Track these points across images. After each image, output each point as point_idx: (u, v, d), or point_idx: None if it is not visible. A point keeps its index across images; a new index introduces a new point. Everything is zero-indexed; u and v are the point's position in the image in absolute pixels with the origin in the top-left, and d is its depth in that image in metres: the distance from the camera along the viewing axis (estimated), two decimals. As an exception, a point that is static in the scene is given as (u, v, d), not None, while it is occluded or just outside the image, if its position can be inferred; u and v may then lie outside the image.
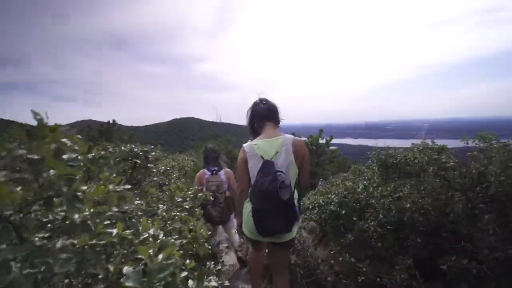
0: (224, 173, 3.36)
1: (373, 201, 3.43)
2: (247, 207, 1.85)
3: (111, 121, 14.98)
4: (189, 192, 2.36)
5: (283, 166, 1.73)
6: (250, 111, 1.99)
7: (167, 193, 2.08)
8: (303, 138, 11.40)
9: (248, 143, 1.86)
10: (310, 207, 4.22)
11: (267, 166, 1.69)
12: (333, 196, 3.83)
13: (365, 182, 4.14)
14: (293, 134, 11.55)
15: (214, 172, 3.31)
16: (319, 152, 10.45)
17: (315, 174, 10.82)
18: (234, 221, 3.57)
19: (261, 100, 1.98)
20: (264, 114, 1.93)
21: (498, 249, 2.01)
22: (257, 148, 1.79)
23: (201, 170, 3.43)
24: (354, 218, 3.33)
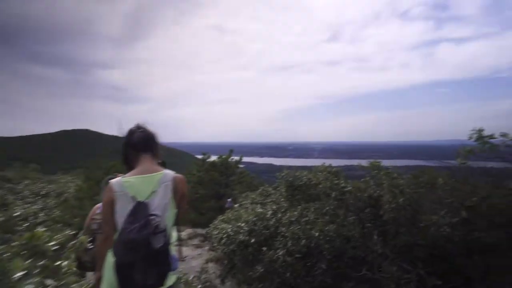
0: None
1: (283, 228, 3.38)
2: (109, 258, 1.48)
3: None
4: (52, 242, 1.72)
5: (159, 207, 1.47)
6: (124, 140, 1.67)
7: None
8: (213, 157, 11.11)
9: (117, 179, 1.52)
10: (218, 237, 3.88)
11: (139, 209, 1.42)
12: (243, 224, 3.63)
13: (274, 207, 4.11)
14: (203, 154, 11.12)
15: None
16: (228, 173, 10.32)
17: (223, 195, 10.59)
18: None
19: (138, 127, 1.68)
20: (139, 144, 1.62)
21: (388, 271, 2.17)
22: (128, 186, 1.48)
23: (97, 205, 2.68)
24: (264, 248, 3.18)
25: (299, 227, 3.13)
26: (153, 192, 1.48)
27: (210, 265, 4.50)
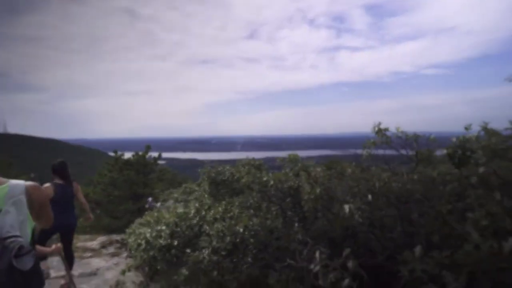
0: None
1: (207, 226, 3.27)
2: None
3: None
4: None
5: (15, 226, 1.24)
6: None
7: None
8: (128, 154, 10.01)
9: None
10: (136, 244, 3.51)
11: None
12: (164, 228, 3.35)
13: (196, 205, 3.95)
14: (115, 152, 9.89)
15: None
16: (146, 171, 9.51)
17: (142, 195, 9.77)
18: None
19: None
20: None
21: (309, 260, 2.34)
22: None
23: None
24: (188, 250, 3.01)
25: (224, 224, 3.07)
26: (0, 210, 1.23)
27: (128, 274, 4.05)
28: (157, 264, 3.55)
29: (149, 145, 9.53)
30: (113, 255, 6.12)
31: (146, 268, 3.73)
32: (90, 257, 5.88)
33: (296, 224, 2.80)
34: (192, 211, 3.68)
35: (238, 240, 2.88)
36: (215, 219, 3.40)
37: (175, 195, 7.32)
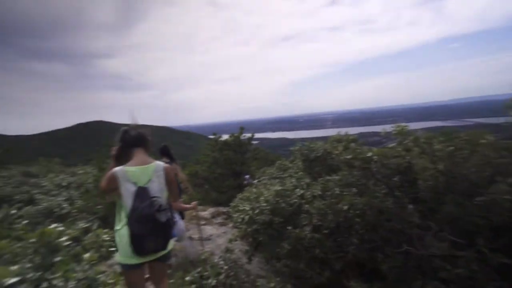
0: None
1: (306, 205, 3.22)
2: (123, 231, 1.82)
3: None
4: (64, 237, 1.67)
5: (158, 191, 1.87)
6: (119, 137, 2.04)
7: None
8: (225, 136, 10.95)
9: (120, 168, 1.87)
10: (241, 219, 3.79)
11: (142, 192, 1.81)
12: (264, 204, 3.49)
13: (293, 181, 3.94)
14: (214, 134, 11.01)
15: None
16: (242, 150, 10.20)
17: (240, 172, 10.56)
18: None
19: (130, 127, 2.08)
20: (133, 141, 2.01)
21: (430, 244, 1.98)
22: (131, 174, 1.86)
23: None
24: (289, 227, 3.05)
25: (324, 202, 2.96)
26: (149, 180, 1.86)
27: (235, 243, 4.48)
28: (260, 237, 3.77)
29: (242, 126, 10.12)
30: (221, 224, 6.92)
31: (250, 239, 4.02)
32: (204, 224, 6.82)
33: (411, 206, 2.44)
34: (290, 189, 3.70)
35: (341, 219, 2.73)
36: (314, 197, 3.32)
37: (270, 170, 7.60)
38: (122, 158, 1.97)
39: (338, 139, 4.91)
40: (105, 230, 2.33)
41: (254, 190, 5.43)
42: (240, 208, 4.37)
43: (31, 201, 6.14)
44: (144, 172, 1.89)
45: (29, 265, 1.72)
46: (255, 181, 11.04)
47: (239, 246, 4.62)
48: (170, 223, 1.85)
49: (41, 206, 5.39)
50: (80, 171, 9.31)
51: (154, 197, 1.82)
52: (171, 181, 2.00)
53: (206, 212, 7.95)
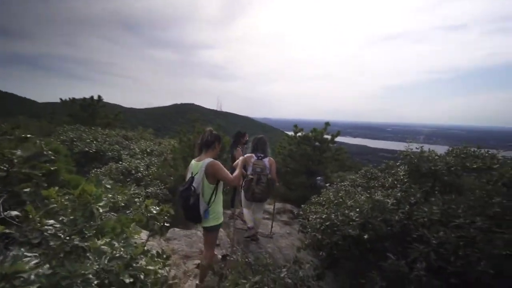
0: (268, 160, 4.06)
1: (424, 229, 2.23)
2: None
3: (96, 97, 13.63)
4: (101, 203, 1.22)
5: (197, 181, 2.63)
6: (200, 137, 2.87)
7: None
8: (306, 132, 10.06)
9: (192, 161, 2.83)
10: (318, 224, 3.01)
11: (189, 180, 2.67)
12: (352, 214, 2.64)
13: (398, 194, 2.93)
14: (295, 126, 10.29)
15: (260, 157, 4.04)
16: (322, 148, 9.21)
17: (314, 172, 9.64)
18: (262, 205, 4.31)
19: (207, 131, 2.85)
20: (203, 144, 2.80)
21: None
22: (191, 166, 2.78)
23: (249, 154, 4.14)
24: (392, 256, 2.14)
25: (445, 230, 1.95)
26: (197, 172, 2.65)
27: (303, 252, 3.75)
28: (338, 253, 2.95)
29: (328, 122, 9.11)
30: (286, 223, 6.25)
31: (323, 253, 3.22)
32: (267, 219, 6.28)
33: None
34: (390, 201, 2.73)
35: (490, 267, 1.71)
36: (430, 221, 2.31)
37: (352, 177, 6.51)
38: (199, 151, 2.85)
39: (469, 154, 3.60)
40: (155, 201, 1.91)
41: (331, 194, 4.56)
42: (318, 210, 3.58)
43: (119, 159, 6.74)
44: (197, 166, 2.69)
45: (61, 223, 1.36)
46: (327, 184, 9.97)
47: (306, 257, 3.87)
48: (195, 206, 2.58)
49: (121, 166, 5.73)
50: (165, 143, 10.03)
51: (192, 185, 2.60)
52: (213, 173, 2.63)
53: (271, 207, 7.41)
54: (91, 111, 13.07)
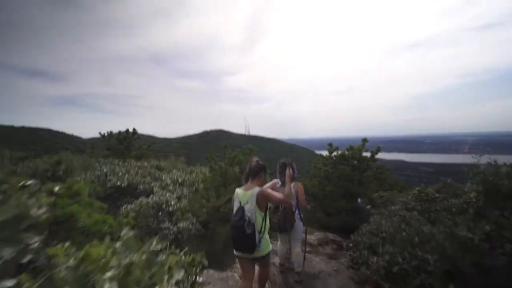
0: (293, 186, 3.92)
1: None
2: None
3: (130, 130, 14.19)
4: None
5: (249, 210, 2.64)
6: (247, 166, 2.94)
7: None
8: (341, 151, 9.38)
9: (237, 189, 2.87)
10: (382, 271, 2.42)
11: (239, 209, 2.68)
12: (429, 257, 2.04)
13: (486, 227, 2.27)
14: (330, 144, 9.69)
15: (279, 185, 3.92)
16: (362, 167, 8.47)
17: (355, 193, 8.84)
18: (298, 235, 4.02)
19: (253, 161, 2.93)
20: (250, 173, 2.87)
21: None
22: (237, 195, 2.80)
23: (276, 180, 3.96)
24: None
25: None
26: (247, 202, 2.69)
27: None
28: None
29: (365, 138, 8.42)
30: (330, 257, 5.53)
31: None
32: (309, 252, 5.62)
33: None
34: (477, 237, 2.11)
35: None
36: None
37: (404, 200, 5.72)
38: (246, 180, 2.93)
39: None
40: (180, 252, 1.58)
41: (388, 224, 3.89)
42: (366, 242, 2.97)
43: (150, 192, 6.64)
44: (244, 196, 2.72)
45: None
46: (368, 206, 9.03)
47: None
48: (252, 235, 2.57)
49: (151, 200, 5.54)
50: (196, 170, 9.91)
51: (246, 215, 2.62)
52: (263, 199, 2.68)
53: (312, 237, 6.69)
54: (126, 143, 13.56)
